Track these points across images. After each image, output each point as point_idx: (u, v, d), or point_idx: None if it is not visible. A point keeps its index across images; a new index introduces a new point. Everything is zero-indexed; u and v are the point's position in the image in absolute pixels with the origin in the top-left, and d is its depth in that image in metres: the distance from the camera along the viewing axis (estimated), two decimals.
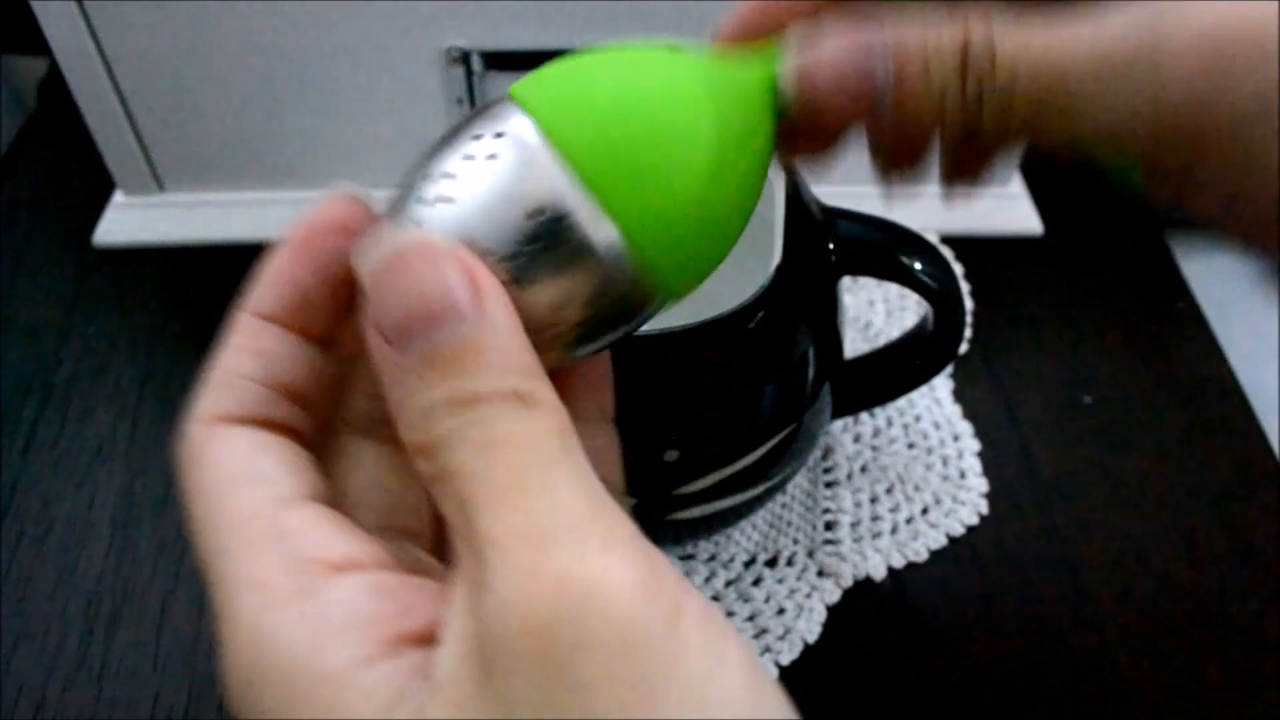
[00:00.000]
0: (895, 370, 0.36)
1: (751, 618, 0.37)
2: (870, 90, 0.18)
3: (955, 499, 0.40)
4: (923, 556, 0.39)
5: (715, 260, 0.20)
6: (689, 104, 0.18)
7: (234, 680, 0.16)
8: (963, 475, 0.41)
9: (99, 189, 0.49)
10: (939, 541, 0.39)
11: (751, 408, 0.30)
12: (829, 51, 0.19)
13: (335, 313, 0.19)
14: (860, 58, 0.18)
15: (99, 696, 0.35)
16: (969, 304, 0.47)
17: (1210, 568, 0.39)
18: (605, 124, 0.18)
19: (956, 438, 0.42)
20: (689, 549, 0.38)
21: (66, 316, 0.46)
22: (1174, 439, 0.43)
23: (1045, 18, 0.18)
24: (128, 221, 0.49)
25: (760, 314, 0.28)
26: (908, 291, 0.44)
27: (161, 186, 0.49)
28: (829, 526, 0.39)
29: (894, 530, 0.39)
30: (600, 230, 0.17)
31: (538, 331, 0.17)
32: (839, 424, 0.42)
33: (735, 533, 0.39)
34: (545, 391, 0.16)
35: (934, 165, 0.22)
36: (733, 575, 0.38)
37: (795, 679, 0.35)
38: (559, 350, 0.18)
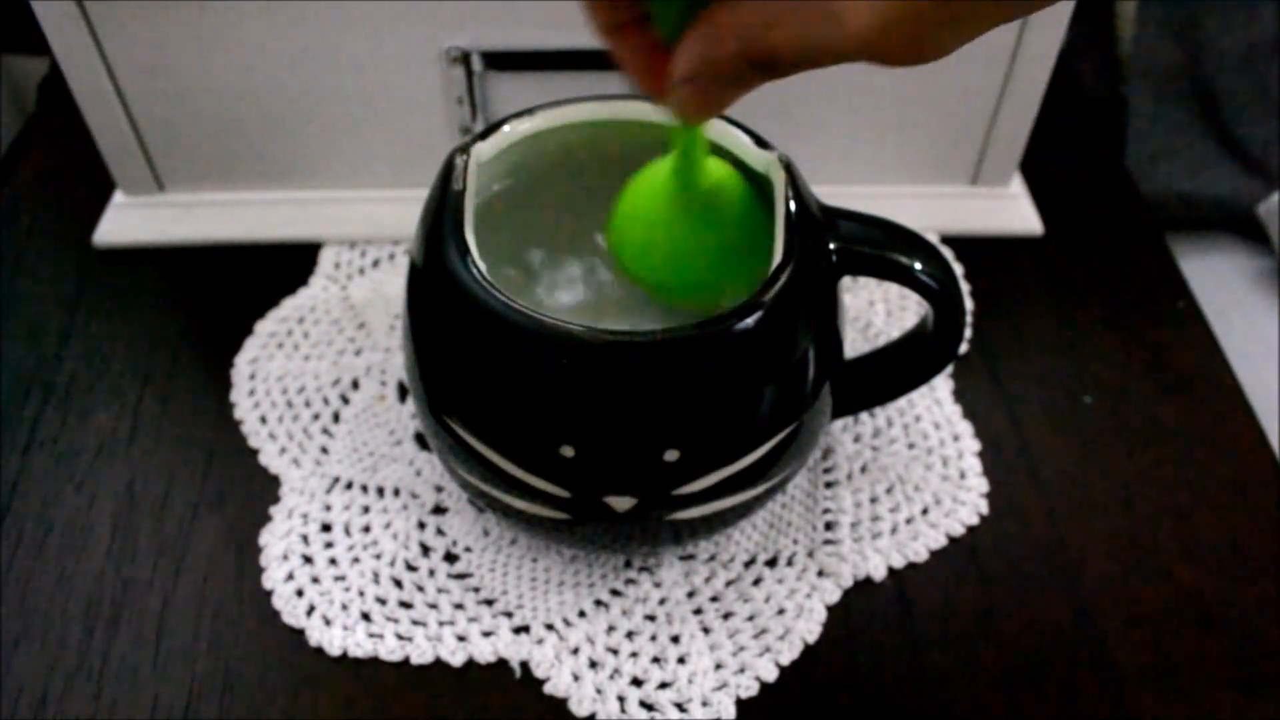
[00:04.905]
0: (895, 370, 0.36)
1: (751, 618, 0.37)
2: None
3: (955, 499, 0.40)
4: (923, 556, 0.39)
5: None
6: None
7: None
8: (963, 475, 0.41)
9: (99, 189, 0.49)
10: (939, 541, 0.39)
11: (751, 408, 0.30)
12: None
13: None
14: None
15: (99, 696, 0.35)
16: (969, 304, 0.47)
17: (1210, 568, 0.39)
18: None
19: (956, 438, 0.42)
20: (689, 549, 0.38)
21: (66, 316, 0.46)
22: (1174, 439, 0.43)
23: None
24: (128, 221, 0.49)
25: (760, 314, 0.28)
26: (908, 291, 0.44)
27: (161, 186, 0.49)
28: (829, 526, 0.39)
29: (894, 530, 0.39)
30: None
31: None
32: (839, 424, 0.42)
33: (735, 533, 0.39)
34: None
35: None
36: (733, 575, 0.38)
37: (795, 679, 0.35)
38: None
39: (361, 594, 0.37)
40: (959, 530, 0.39)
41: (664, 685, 0.35)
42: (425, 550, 0.38)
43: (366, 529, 0.39)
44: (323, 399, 0.43)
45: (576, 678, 0.35)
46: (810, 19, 0.21)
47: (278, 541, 0.38)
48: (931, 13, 0.20)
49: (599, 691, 0.35)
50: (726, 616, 0.37)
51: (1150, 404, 0.44)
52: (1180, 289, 0.49)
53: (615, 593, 0.37)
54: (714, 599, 0.37)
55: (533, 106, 0.34)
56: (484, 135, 0.33)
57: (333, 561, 0.38)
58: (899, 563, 0.38)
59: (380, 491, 0.40)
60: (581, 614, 0.37)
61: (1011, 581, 0.38)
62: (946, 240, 0.50)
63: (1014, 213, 0.50)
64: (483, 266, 0.29)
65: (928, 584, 0.38)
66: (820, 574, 0.38)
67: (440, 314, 0.30)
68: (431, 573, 0.38)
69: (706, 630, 0.36)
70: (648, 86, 0.25)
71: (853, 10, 0.20)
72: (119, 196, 0.49)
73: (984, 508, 0.40)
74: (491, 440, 0.30)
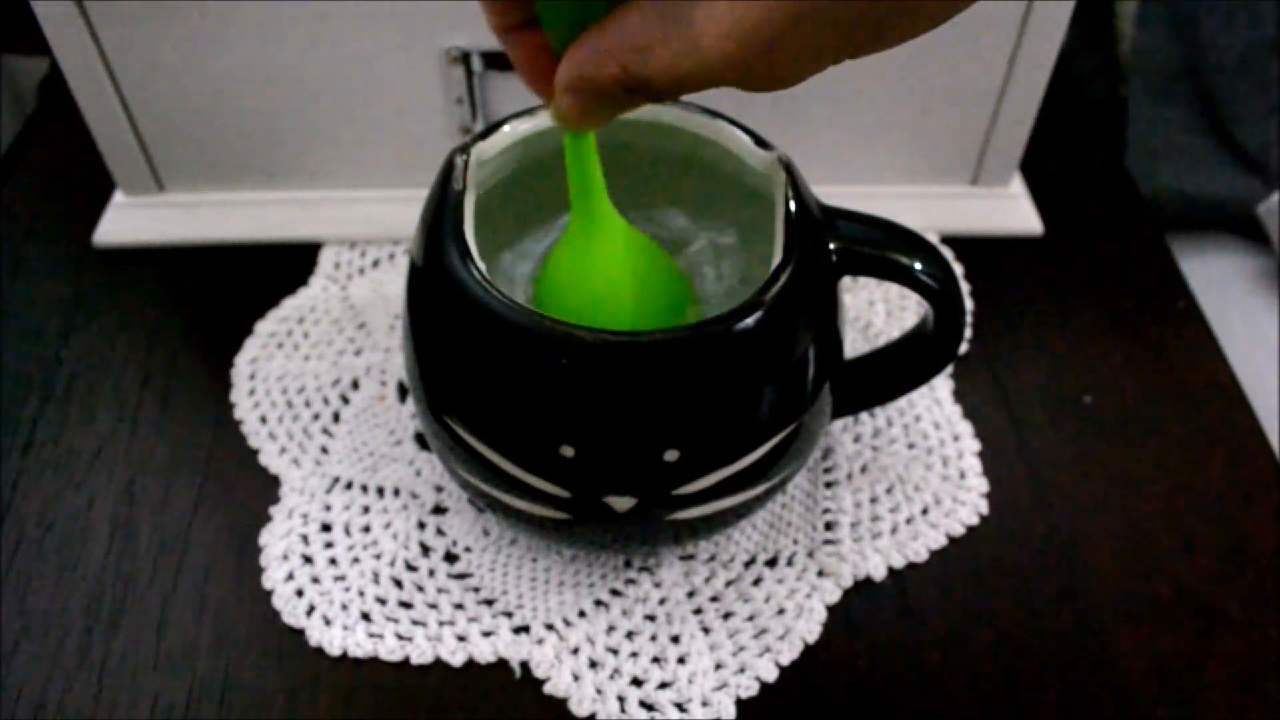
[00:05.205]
0: (895, 370, 0.36)
1: (751, 618, 0.37)
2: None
3: (955, 499, 0.40)
4: (923, 556, 0.39)
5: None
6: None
7: None
8: (963, 475, 0.41)
9: (99, 189, 0.49)
10: (939, 541, 0.39)
11: (751, 408, 0.30)
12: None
13: None
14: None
15: (99, 696, 0.35)
16: (969, 304, 0.47)
17: (1210, 568, 0.39)
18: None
19: (956, 438, 0.42)
20: (689, 549, 0.38)
21: (66, 317, 0.46)
22: (1174, 439, 0.43)
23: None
24: (128, 221, 0.49)
25: (760, 314, 0.28)
26: (908, 291, 0.44)
27: (161, 186, 0.49)
28: (829, 526, 0.39)
29: (894, 530, 0.39)
30: None
31: None
32: (839, 424, 0.42)
33: (735, 533, 0.39)
34: None
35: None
36: (733, 575, 0.38)
37: (795, 679, 0.35)
38: None
39: (361, 594, 0.37)
40: (959, 530, 0.39)
41: (664, 685, 0.35)
42: (425, 550, 0.38)
43: (366, 529, 0.39)
44: (323, 399, 0.43)
45: (576, 678, 0.35)
46: (675, 43, 0.22)
47: (278, 541, 0.38)
48: (780, 30, 0.21)
49: (599, 691, 0.35)
50: (726, 616, 0.37)
51: (1150, 404, 0.44)
52: (1180, 289, 0.49)
53: (615, 593, 0.37)
54: (714, 599, 0.37)
55: (533, 106, 0.34)
56: (484, 135, 0.33)
57: (333, 561, 0.38)
58: (899, 563, 0.38)
59: (380, 491, 0.40)
60: (581, 614, 0.37)
61: (1011, 582, 0.38)
62: (946, 240, 0.50)
63: (1014, 213, 0.50)
64: (483, 266, 0.29)
65: (928, 584, 0.38)
66: (820, 574, 0.38)
67: (440, 314, 0.30)
68: (431, 573, 0.38)
69: (706, 630, 0.36)
70: (536, 89, 0.26)
71: (705, 28, 0.21)
72: (119, 196, 0.49)
73: (984, 508, 0.40)
74: (491, 440, 0.30)
